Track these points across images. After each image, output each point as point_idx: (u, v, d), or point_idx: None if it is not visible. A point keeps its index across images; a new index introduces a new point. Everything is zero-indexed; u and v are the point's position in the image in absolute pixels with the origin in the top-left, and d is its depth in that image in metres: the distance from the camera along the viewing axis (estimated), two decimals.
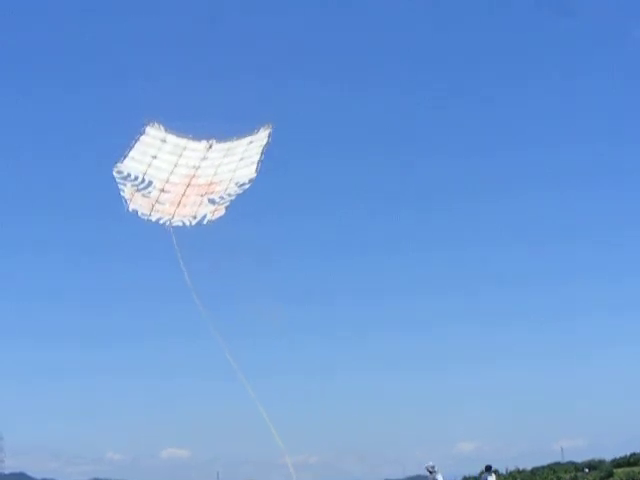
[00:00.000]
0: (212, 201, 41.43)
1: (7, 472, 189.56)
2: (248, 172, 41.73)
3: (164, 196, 43.14)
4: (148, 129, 46.60)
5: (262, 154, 41.80)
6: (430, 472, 27.97)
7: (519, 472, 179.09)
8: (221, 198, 41.10)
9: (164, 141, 46.09)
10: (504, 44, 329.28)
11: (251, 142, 44.27)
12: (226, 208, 40.35)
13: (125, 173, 43.19)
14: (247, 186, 40.86)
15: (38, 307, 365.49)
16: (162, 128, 46.62)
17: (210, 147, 45.53)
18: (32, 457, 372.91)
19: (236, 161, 43.28)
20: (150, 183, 43.69)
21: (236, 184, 41.24)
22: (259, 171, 41.97)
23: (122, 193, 42.54)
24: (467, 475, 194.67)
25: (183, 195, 42.53)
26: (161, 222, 41.38)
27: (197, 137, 46.73)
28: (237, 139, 45.64)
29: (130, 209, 41.77)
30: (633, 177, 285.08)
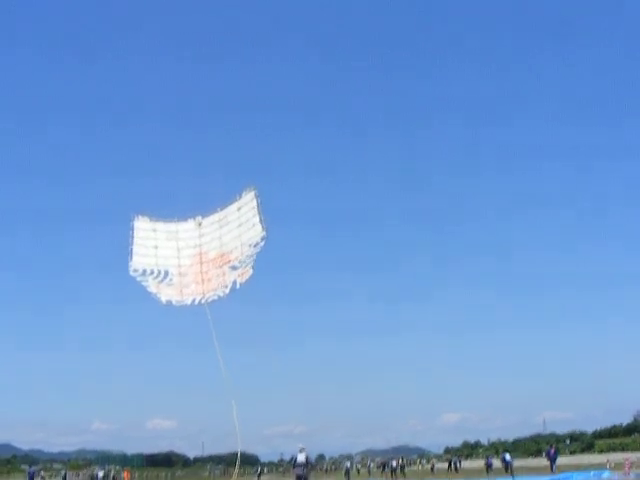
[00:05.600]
0: (234, 267, 44.30)
1: None
2: (255, 233, 44.71)
3: (185, 279, 45.19)
4: (136, 224, 48.68)
5: (260, 213, 43.42)
6: (300, 451, 29.74)
7: (501, 443, 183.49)
8: (241, 262, 43.93)
9: (155, 230, 48.96)
10: None
11: (240, 208, 46.63)
12: (252, 268, 41.89)
13: (140, 270, 45.53)
14: (262, 244, 43.20)
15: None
16: (147, 219, 48.24)
17: (200, 224, 47.68)
18: (18, 429, 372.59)
19: (236, 228, 46.41)
20: (167, 273, 46.33)
21: (249, 246, 43.53)
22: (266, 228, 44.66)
23: (149, 289, 44.01)
24: (450, 446, 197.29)
25: (202, 272, 44.06)
26: (196, 303, 42.69)
27: (182, 217, 48.42)
28: (221, 209, 47.44)
29: (164, 301, 43.50)
30: None
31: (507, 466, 50.69)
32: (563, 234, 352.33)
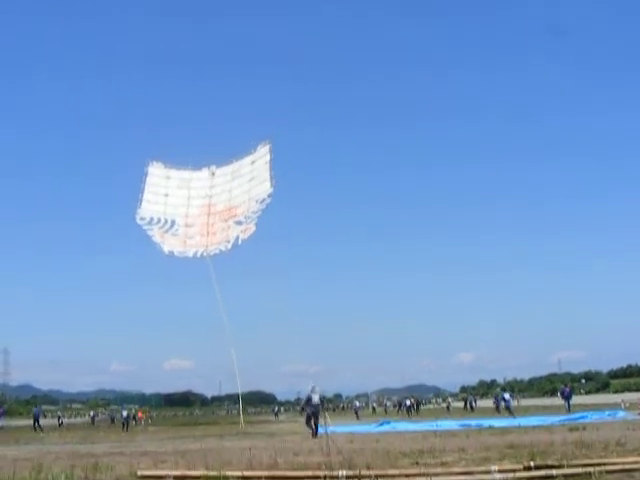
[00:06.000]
0: (239, 222, 44.27)
1: (14, 384, 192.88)
2: (264, 189, 44.37)
3: (191, 230, 45.62)
4: (150, 169, 48.64)
5: (271, 169, 43.41)
6: (312, 392, 29.13)
7: (517, 382, 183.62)
8: (247, 218, 44.11)
9: (168, 177, 48.47)
10: None
11: (254, 161, 46.48)
12: (255, 225, 41.91)
13: (147, 218, 45.47)
14: (268, 201, 43.33)
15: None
16: (162, 165, 47.92)
17: (213, 174, 47.85)
18: (38, 369, 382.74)
19: (247, 182, 45.83)
20: (173, 222, 46.09)
21: (256, 201, 44.22)
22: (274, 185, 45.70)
23: (154, 239, 43.83)
24: (465, 385, 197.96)
25: (208, 224, 44.05)
26: (199, 255, 42.68)
27: (196, 167, 48.16)
28: (237, 160, 47.20)
29: (166, 251, 43.36)
30: None
31: (506, 406, 50.40)
32: (588, 182, 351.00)
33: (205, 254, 44.68)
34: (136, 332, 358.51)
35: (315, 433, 27.13)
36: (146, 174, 48.88)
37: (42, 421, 57.57)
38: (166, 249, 45.43)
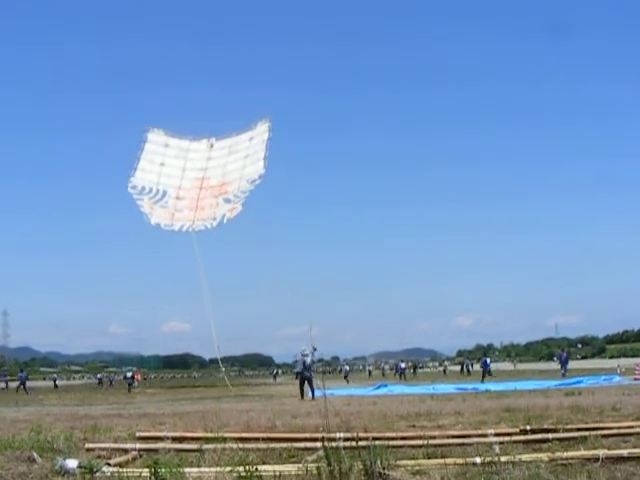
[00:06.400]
0: (227, 200, 44.07)
1: (13, 346, 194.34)
2: (257, 168, 44.23)
3: (181, 203, 45.42)
4: (150, 135, 48.61)
5: (267, 149, 43.14)
6: (303, 355, 29.99)
7: (513, 346, 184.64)
8: (235, 197, 43.82)
9: (167, 145, 48.13)
10: None
11: (252, 138, 46.43)
12: (242, 205, 41.84)
13: (139, 187, 45.07)
14: (258, 182, 43.75)
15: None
16: (162, 132, 47.51)
17: (212, 146, 48.08)
18: (37, 331, 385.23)
19: (242, 158, 45.63)
20: (165, 193, 45.79)
21: (247, 181, 44.08)
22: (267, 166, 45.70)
23: (142, 209, 43.54)
24: (463, 349, 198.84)
25: (198, 199, 43.92)
26: (184, 230, 42.54)
27: (196, 136, 47.91)
28: (237, 134, 47.38)
29: (153, 223, 43.02)
30: None
31: (485, 370, 51.14)
32: (587, 144, 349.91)
33: (191, 229, 44.75)
34: (135, 295, 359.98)
35: (312, 397, 27.41)
36: (145, 140, 48.55)
37: (40, 383, 58.60)
38: (153, 221, 45.34)
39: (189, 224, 44.90)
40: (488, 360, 55.36)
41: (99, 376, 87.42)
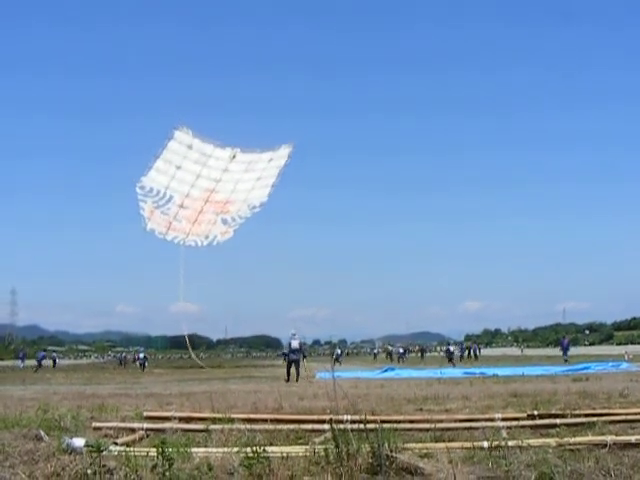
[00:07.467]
0: (224, 221, 43.89)
1: (21, 324, 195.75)
2: (261, 194, 43.53)
3: (182, 212, 45.47)
4: (177, 133, 47.43)
5: (279, 176, 43.05)
6: (291, 338, 30.44)
7: (521, 332, 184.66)
8: (232, 219, 42.99)
9: (190, 147, 47.75)
10: None
11: (271, 160, 45.87)
12: (234, 231, 41.88)
13: (147, 188, 44.84)
14: (257, 210, 42.52)
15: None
16: (190, 132, 46.89)
17: (234, 157, 46.60)
18: (45, 310, 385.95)
19: (254, 180, 45.54)
20: (170, 198, 45.64)
21: (248, 206, 43.64)
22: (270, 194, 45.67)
23: (141, 211, 43.31)
24: (470, 333, 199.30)
25: (200, 212, 43.90)
26: (175, 242, 42.53)
27: (222, 143, 47.60)
28: (260, 151, 46.12)
29: (148, 229, 42.79)
30: None
31: (449, 356, 52.75)
32: (597, 130, 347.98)
33: (182, 243, 44.86)
34: (143, 275, 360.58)
35: (296, 379, 27.74)
36: (170, 137, 47.80)
37: (48, 362, 59.14)
38: (148, 227, 45.13)
39: (182, 237, 44.99)
40: (452, 348, 58.55)
41: (119, 356, 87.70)
